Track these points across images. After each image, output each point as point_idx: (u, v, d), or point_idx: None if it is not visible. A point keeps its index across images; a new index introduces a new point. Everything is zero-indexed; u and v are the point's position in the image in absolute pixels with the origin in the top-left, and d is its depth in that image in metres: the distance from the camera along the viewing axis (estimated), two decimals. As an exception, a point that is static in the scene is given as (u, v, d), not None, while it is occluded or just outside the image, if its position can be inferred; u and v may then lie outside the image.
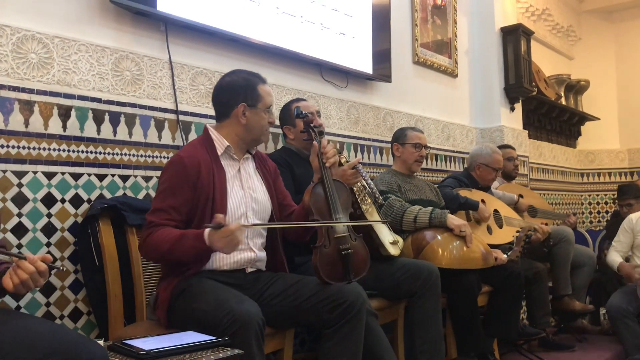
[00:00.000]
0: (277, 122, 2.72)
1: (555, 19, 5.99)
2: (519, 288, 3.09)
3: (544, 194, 5.49)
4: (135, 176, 2.31)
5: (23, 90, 2.00)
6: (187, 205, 1.90)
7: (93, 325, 2.14)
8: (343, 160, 2.38)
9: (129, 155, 2.30)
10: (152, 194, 2.33)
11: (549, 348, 3.81)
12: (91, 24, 2.22)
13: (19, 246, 1.96)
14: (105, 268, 2.05)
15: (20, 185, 1.97)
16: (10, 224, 1.95)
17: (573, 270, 3.94)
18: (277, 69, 2.97)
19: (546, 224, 3.77)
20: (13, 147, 1.96)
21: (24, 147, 1.99)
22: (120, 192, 2.25)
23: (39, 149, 2.03)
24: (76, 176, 2.12)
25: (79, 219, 2.12)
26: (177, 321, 1.85)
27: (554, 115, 5.80)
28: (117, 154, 2.26)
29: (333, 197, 2.02)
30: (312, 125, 2.18)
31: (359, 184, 2.44)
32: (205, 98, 2.57)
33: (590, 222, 6.43)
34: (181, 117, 2.49)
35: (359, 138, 3.49)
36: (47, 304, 2.02)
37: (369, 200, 2.53)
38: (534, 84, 5.08)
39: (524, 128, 4.99)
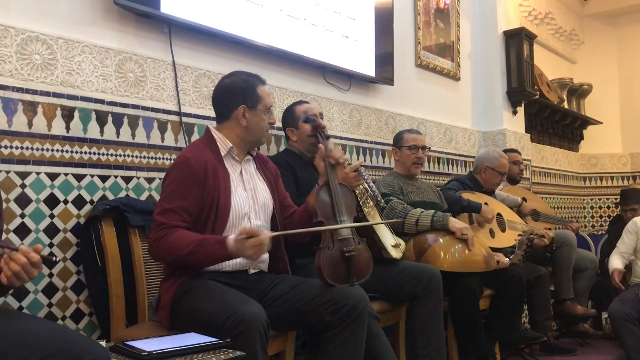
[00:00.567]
0: (280, 124, 2.72)
1: (558, 22, 5.98)
2: (521, 292, 3.08)
3: (546, 198, 5.48)
4: (138, 177, 2.32)
5: (27, 91, 2.00)
6: (196, 206, 1.89)
7: (95, 326, 2.13)
8: (345, 163, 2.38)
9: (132, 156, 2.30)
10: (155, 195, 2.33)
11: (550, 352, 3.80)
12: (95, 25, 2.23)
13: (22, 247, 1.96)
14: (108, 269, 2.05)
15: (23, 185, 1.98)
16: (13, 225, 1.95)
17: (575, 274, 3.94)
18: (280, 72, 2.98)
19: (549, 229, 3.76)
20: (16, 147, 1.97)
21: (27, 148, 1.99)
22: (123, 194, 2.25)
23: (42, 149, 2.03)
24: (79, 177, 2.13)
25: (82, 220, 2.12)
26: (179, 322, 1.85)
27: (557, 119, 5.80)
28: (120, 155, 2.26)
29: (338, 201, 2.03)
30: (320, 129, 2.21)
31: (361, 186, 2.44)
32: (208, 100, 2.57)
33: (593, 226, 6.42)
34: (184, 119, 2.50)
35: (361, 141, 3.50)
36: (49, 305, 2.02)
37: (371, 203, 2.53)
38: (536, 87, 5.08)
39: (526, 132, 4.99)
